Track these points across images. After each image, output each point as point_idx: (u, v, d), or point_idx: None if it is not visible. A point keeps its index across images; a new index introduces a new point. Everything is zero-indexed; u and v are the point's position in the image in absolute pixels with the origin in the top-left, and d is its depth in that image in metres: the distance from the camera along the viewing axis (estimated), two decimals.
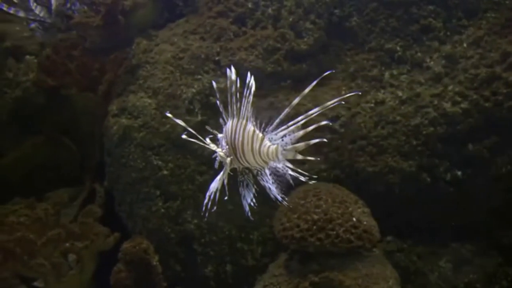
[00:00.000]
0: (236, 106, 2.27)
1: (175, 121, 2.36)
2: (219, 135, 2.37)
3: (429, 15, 4.30)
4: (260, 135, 2.25)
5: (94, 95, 4.95)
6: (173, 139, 4.34)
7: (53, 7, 4.00)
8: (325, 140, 2.19)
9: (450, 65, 4.14)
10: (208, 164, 4.28)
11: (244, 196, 2.40)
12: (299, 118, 2.21)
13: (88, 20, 4.92)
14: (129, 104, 4.53)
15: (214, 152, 2.37)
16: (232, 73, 2.25)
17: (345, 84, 4.40)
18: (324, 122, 2.16)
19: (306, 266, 3.73)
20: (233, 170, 2.44)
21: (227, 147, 2.34)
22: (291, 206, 2.46)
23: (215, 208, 2.38)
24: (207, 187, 2.43)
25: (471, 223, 4.09)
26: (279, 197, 2.32)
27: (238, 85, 2.25)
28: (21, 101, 5.06)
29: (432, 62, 4.22)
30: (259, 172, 2.33)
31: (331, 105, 2.19)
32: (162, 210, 4.35)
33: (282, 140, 2.23)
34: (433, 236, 4.13)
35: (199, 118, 4.32)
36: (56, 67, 4.94)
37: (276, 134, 2.25)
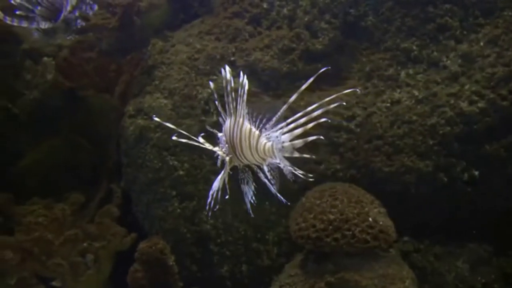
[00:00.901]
0: (233, 104, 2.31)
1: (172, 125, 2.41)
2: (219, 134, 2.41)
3: (445, 14, 4.27)
4: (257, 132, 2.29)
5: (110, 96, 4.99)
6: None
7: (61, 17, 4.00)
8: (322, 137, 2.20)
9: (467, 64, 4.12)
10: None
11: (245, 193, 2.44)
12: (298, 115, 2.23)
13: (104, 21, 4.96)
14: (145, 105, 4.55)
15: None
16: (227, 72, 2.29)
17: (361, 83, 4.38)
18: (323, 119, 2.18)
19: (322, 266, 3.72)
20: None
21: (227, 145, 2.38)
22: (289, 203, 2.48)
23: (217, 206, 2.42)
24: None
25: (488, 223, 4.06)
26: (279, 194, 2.35)
27: (233, 84, 2.29)
28: (39, 102, 5.10)
29: (448, 61, 4.19)
30: (259, 169, 2.37)
31: (330, 102, 2.20)
32: (178, 211, 4.37)
33: (280, 137, 2.25)
34: (450, 236, 4.10)
35: (215, 118, 4.33)
36: (73, 68, 4.98)
37: (276, 131, 2.27)
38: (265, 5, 4.62)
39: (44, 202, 4.60)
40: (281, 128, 2.24)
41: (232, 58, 4.51)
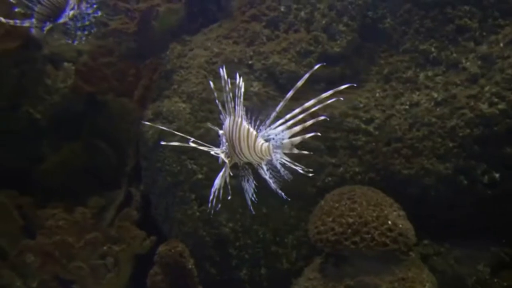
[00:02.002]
0: (231, 104, 2.35)
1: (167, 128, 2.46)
2: (220, 132, 2.45)
3: (464, 15, 4.24)
4: (254, 133, 2.33)
5: (129, 101, 5.03)
6: (207, 143, 4.37)
7: (63, 19, 4.02)
8: (319, 134, 2.23)
9: (487, 65, 4.08)
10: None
11: (246, 190, 2.48)
12: (296, 111, 2.26)
13: (123, 26, 5.00)
14: (164, 109, 4.58)
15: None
16: (224, 73, 2.31)
17: (379, 86, 4.37)
18: (322, 117, 2.21)
19: (341, 270, 3.71)
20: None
21: (226, 144, 2.42)
22: (289, 200, 2.51)
23: (219, 205, 2.47)
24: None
25: (509, 226, 4.01)
26: (279, 190, 2.38)
27: (230, 85, 2.34)
28: (59, 107, 5.16)
29: (468, 63, 4.16)
30: (259, 166, 2.40)
31: (328, 97, 2.24)
32: (197, 214, 4.38)
33: (279, 134, 2.29)
34: (471, 240, 4.06)
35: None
36: (93, 73, 5.03)
37: (274, 129, 2.31)
38: (282, 9, 4.62)
39: (64, 206, 4.65)
40: (280, 125, 2.27)
41: (250, 62, 4.52)
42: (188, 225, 4.41)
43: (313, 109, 2.24)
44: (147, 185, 4.74)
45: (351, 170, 4.18)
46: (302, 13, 4.56)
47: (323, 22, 4.49)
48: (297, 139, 2.26)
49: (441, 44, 4.27)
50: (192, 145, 2.42)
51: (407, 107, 4.19)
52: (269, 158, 2.30)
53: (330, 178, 4.20)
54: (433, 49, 4.29)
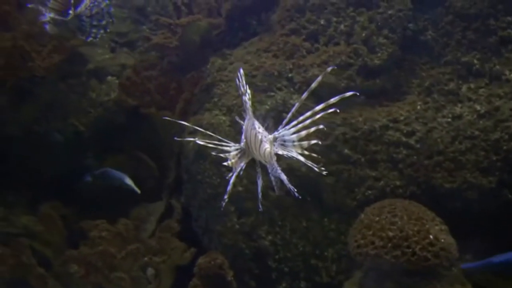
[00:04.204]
0: (246, 105, 2.44)
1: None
2: (243, 126, 2.55)
3: (507, 26, 4.18)
4: (259, 137, 2.40)
5: (171, 114, 5.10)
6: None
7: (78, 10, 4.08)
8: (319, 142, 2.31)
9: None
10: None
11: (258, 187, 2.60)
12: (307, 114, 2.33)
13: (165, 41, 5.09)
14: (204, 122, 4.62)
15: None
16: (240, 76, 2.41)
17: (420, 98, 4.33)
18: (321, 126, 2.28)
19: (381, 285, 3.67)
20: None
21: (245, 140, 2.52)
22: (299, 197, 2.54)
23: (225, 202, 2.63)
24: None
25: None
26: (291, 186, 2.42)
27: (242, 87, 2.41)
28: (103, 120, 5.26)
29: (511, 75, 4.08)
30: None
31: (334, 101, 2.29)
32: (237, 226, 4.39)
33: (290, 136, 2.37)
34: None
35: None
36: (136, 87, 5.13)
37: (288, 129, 2.39)
38: (322, 22, 4.63)
39: (107, 217, 4.73)
40: (293, 126, 2.36)
41: (290, 75, 4.53)
42: (227, 237, 4.43)
43: (318, 115, 2.31)
44: (188, 197, 4.79)
45: (391, 184, 4.14)
46: (342, 26, 4.56)
47: (363, 34, 4.48)
48: (304, 143, 2.35)
49: (484, 56, 4.22)
50: (201, 142, 2.51)
51: (449, 119, 4.14)
52: (271, 162, 2.36)
53: (370, 191, 4.17)
54: (475, 61, 4.23)
